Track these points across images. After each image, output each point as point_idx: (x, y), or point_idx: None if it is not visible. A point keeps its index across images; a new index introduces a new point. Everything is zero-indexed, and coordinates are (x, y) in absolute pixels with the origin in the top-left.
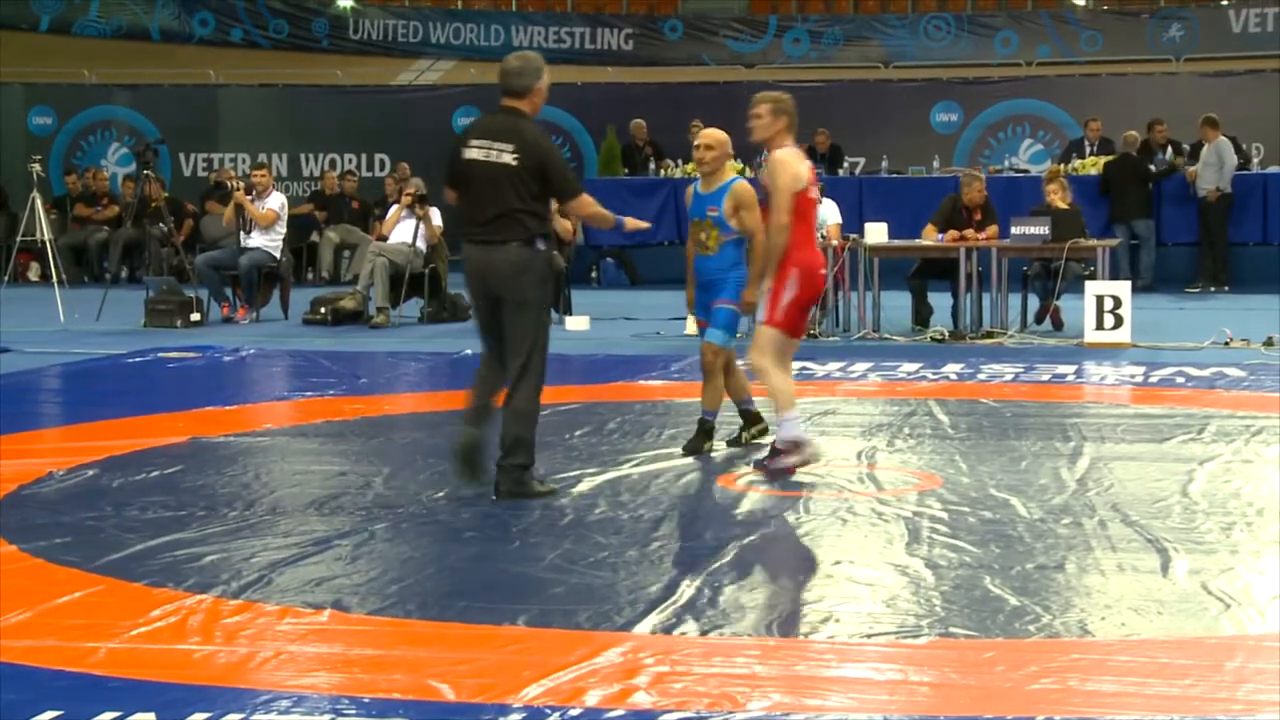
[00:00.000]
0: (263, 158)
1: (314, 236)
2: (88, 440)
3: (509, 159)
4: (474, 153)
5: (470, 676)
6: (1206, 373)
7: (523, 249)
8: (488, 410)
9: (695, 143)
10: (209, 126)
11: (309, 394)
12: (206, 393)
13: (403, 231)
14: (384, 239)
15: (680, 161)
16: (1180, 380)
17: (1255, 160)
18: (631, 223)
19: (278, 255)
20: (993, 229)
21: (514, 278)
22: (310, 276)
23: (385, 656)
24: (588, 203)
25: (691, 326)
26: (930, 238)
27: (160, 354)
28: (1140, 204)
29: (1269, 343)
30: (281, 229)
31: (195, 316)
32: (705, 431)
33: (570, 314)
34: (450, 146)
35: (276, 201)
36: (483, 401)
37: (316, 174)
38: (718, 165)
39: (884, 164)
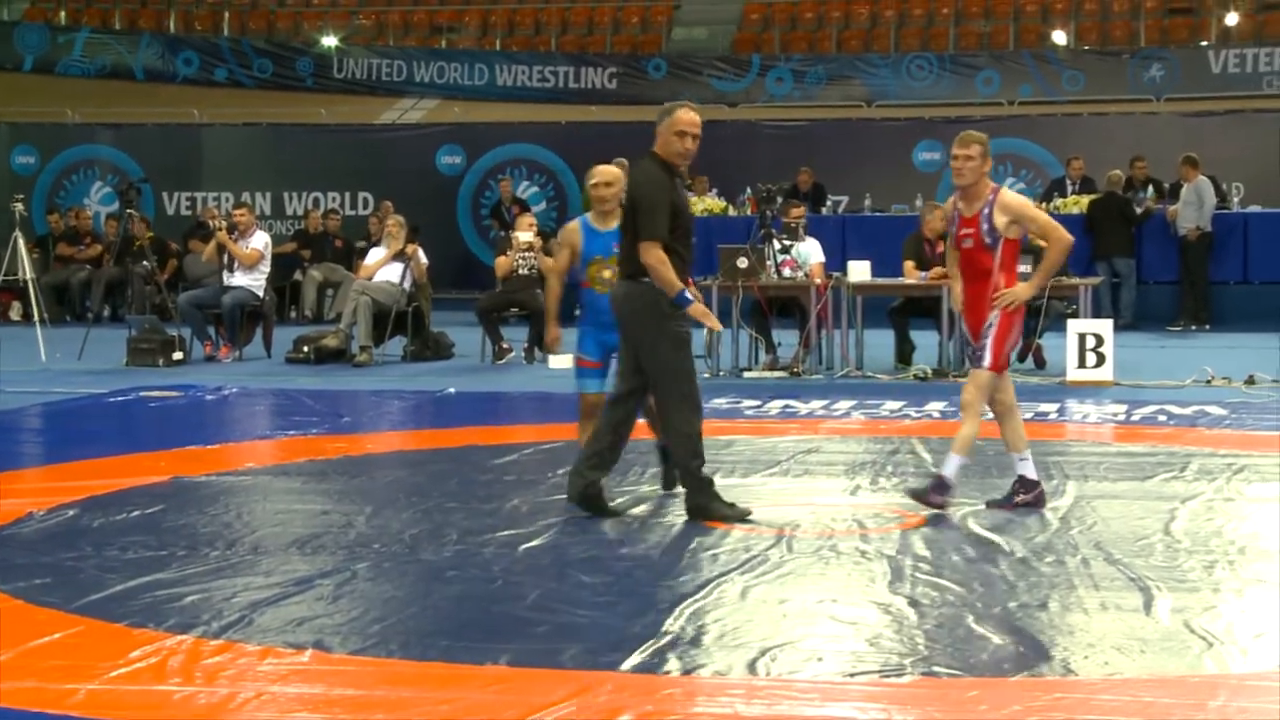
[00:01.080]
0: (246, 196)
1: (297, 275)
2: (68, 480)
3: (623, 198)
4: None
5: (453, 716)
6: (1188, 411)
7: (625, 283)
8: (614, 453)
9: (593, 180)
10: (193, 165)
11: (291, 433)
12: (188, 432)
13: (388, 270)
14: (368, 278)
15: None
16: (1162, 418)
17: (1235, 200)
18: (699, 310)
19: (261, 294)
20: None
21: (621, 312)
22: (293, 315)
23: (367, 697)
24: (650, 250)
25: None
26: (913, 276)
27: (142, 393)
28: (1123, 243)
29: (1250, 381)
30: (265, 268)
31: (178, 355)
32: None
33: (555, 351)
34: (433, 185)
35: (260, 240)
36: (603, 445)
37: (300, 212)
38: (616, 203)
39: (867, 202)
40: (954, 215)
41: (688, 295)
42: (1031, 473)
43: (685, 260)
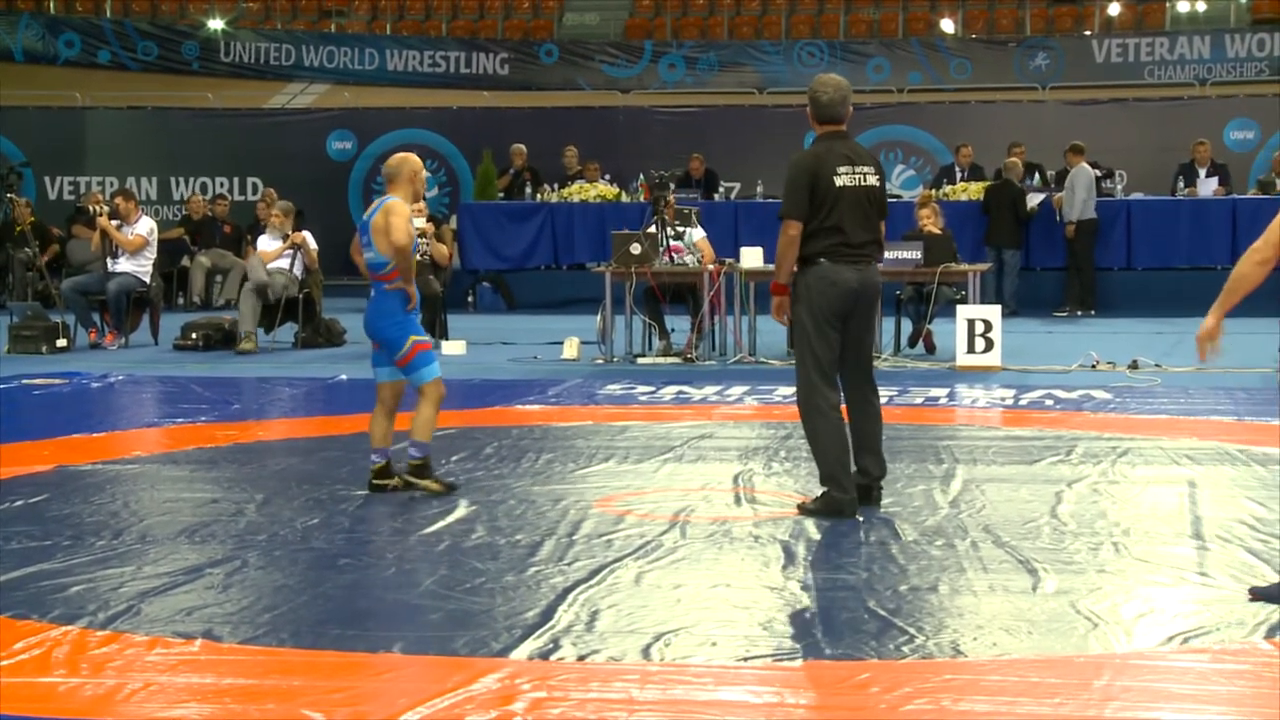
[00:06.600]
0: (131, 181)
1: (185, 261)
2: None
3: (873, 181)
4: (843, 179)
5: (344, 705)
6: (1074, 395)
7: (874, 267)
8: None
9: (424, 178)
10: (76, 149)
11: (180, 420)
12: (73, 420)
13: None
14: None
15: (556, 186)
16: (1049, 403)
17: (1119, 187)
18: None
19: (147, 280)
20: None
21: (879, 294)
22: (181, 302)
23: (258, 686)
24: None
25: (572, 350)
26: None
27: (25, 381)
28: (1011, 234)
29: (1133, 365)
30: (150, 253)
31: (62, 342)
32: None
33: (447, 338)
34: (324, 170)
35: (145, 226)
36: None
37: (187, 198)
38: None
39: (759, 189)
40: None
41: None
42: None
43: None
